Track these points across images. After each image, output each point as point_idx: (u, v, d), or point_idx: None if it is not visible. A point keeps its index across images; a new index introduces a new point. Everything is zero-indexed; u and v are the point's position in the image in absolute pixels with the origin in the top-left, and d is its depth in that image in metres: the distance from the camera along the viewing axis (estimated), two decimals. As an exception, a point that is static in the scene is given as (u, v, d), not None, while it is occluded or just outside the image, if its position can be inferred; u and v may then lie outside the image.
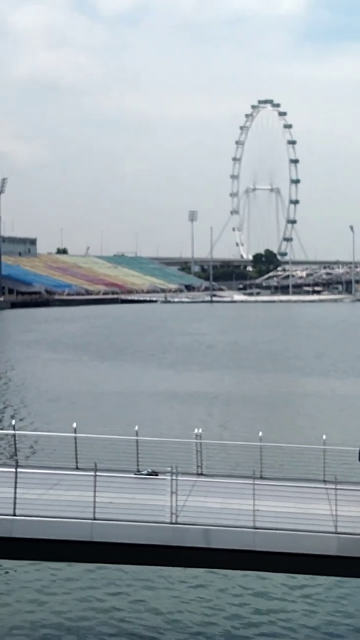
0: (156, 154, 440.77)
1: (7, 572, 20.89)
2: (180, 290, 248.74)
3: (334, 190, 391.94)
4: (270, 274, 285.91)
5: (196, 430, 20.21)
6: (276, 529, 15.89)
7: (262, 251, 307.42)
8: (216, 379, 58.92)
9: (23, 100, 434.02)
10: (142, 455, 19.76)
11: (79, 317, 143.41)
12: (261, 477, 18.60)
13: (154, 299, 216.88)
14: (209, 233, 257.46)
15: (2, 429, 37.60)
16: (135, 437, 19.99)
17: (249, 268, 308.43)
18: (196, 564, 17.49)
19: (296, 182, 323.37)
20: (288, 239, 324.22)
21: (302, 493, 17.43)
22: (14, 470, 16.96)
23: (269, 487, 17.24)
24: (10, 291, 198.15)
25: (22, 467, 17.86)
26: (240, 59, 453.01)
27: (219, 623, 18.36)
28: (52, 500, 17.02)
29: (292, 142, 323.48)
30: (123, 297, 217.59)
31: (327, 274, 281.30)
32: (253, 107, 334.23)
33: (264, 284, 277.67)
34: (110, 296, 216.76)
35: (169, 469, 16.69)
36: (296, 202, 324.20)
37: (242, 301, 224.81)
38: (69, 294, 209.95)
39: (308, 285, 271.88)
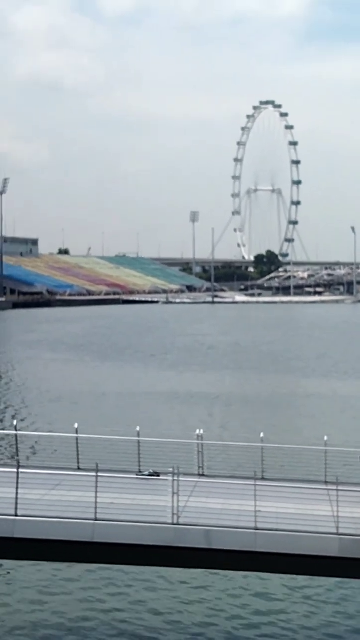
0: (158, 154, 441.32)
1: (8, 573, 20.90)
2: (182, 291, 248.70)
3: (336, 192, 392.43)
4: (272, 275, 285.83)
5: (198, 431, 20.21)
6: (277, 530, 15.89)
7: (263, 252, 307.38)
8: (217, 379, 58.90)
9: (24, 100, 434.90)
10: (144, 456, 19.77)
11: (81, 317, 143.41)
12: (262, 478, 18.59)
13: (156, 299, 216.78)
14: (210, 234, 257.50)
15: (3, 430, 37.62)
16: (137, 438, 19.99)
17: (251, 269, 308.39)
18: (197, 565, 17.49)
19: (298, 183, 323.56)
20: (289, 240, 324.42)
21: (303, 494, 17.42)
22: (15, 470, 16.97)
23: (270, 488, 17.23)
24: (12, 291, 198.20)
25: (23, 467, 17.87)
26: (241, 59, 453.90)
27: (220, 624, 18.36)
28: (54, 500, 17.03)
29: (294, 143, 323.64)
30: (125, 297, 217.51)
31: (329, 275, 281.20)
32: (255, 108, 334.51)
33: (265, 285, 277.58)
34: (111, 297, 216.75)
35: (170, 469, 16.69)
36: (298, 203, 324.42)
37: (243, 302, 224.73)
38: (70, 295, 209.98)
39: (310, 286, 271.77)
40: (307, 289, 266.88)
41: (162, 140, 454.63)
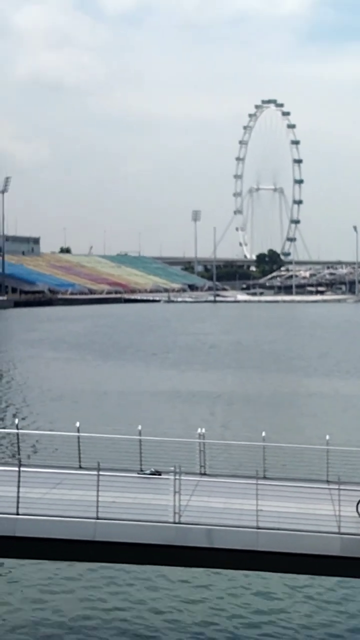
0: (159, 153, 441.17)
1: (10, 571, 20.90)
2: (184, 290, 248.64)
3: (338, 191, 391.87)
4: (274, 274, 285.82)
5: (199, 430, 20.21)
6: (279, 529, 15.89)
7: (265, 251, 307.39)
8: (219, 378, 58.90)
9: (25, 100, 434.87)
10: (145, 454, 19.76)
11: (82, 316, 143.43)
12: (264, 477, 18.59)
13: (157, 298, 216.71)
14: (212, 233, 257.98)
15: (5, 428, 37.64)
16: (139, 437, 19.99)
17: (253, 268, 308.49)
18: (199, 564, 17.49)
19: (300, 182, 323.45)
20: (291, 239, 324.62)
21: (305, 493, 17.42)
22: (17, 469, 16.97)
23: (272, 487, 17.23)
24: (14, 290, 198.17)
25: (25, 466, 17.88)
26: (242, 58, 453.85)
27: (221, 623, 18.36)
28: (55, 499, 17.02)
29: (296, 142, 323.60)
30: (126, 296, 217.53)
31: (331, 274, 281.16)
32: (257, 106, 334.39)
33: (267, 284, 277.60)
34: (113, 295, 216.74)
35: (172, 468, 16.68)
36: (300, 202, 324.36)
37: (245, 301, 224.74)
38: (72, 293, 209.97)
39: (311, 285, 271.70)
40: (309, 288, 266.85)
41: (163, 139, 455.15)
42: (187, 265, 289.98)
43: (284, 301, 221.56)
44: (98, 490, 16.26)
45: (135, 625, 18.16)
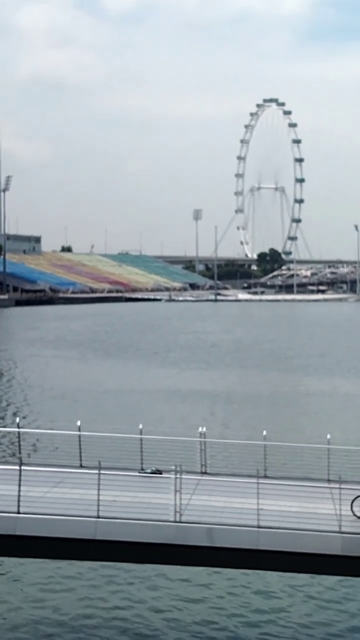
0: (159, 153, 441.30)
1: (10, 570, 20.91)
2: (185, 289, 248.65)
3: (339, 190, 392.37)
4: (275, 273, 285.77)
5: (200, 429, 20.21)
6: (280, 528, 15.88)
7: (266, 250, 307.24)
8: (220, 377, 58.89)
9: (26, 99, 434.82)
10: (146, 453, 19.76)
11: (83, 315, 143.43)
12: (265, 476, 18.58)
13: (158, 297, 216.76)
14: (213, 232, 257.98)
15: (6, 427, 37.65)
16: (139, 436, 19.99)
17: (254, 267, 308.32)
18: (200, 563, 17.48)
19: (301, 181, 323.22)
20: (293, 238, 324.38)
21: (306, 492, 17.42)
22: (18, 468, 16.98)
23: (272, 486, 17.22)
24: (15, 289, 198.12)
25: (26, 465, 17.88)
26: (243, 58, 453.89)
27: (222, 622, 18.35)
28: (56, 498, 17.02)
29: (297, 141, 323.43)
30: (127, 295, 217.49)
31: (332, 273, 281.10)
32: (258, 105, 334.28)
33: (268, 283, 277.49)
34: (114, 294, 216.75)
35: (172, 467, 16.68)
36: (301, 201, 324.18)
37: (246, 300, 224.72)
38: (73, 292, 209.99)
39: (312, 284, 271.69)
40: (310, 287, 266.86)
41: (163, 139, 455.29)
42: (188, 264, 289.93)
43: (285, 300, 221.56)
44: (99, 489, 16.26)
45: (136, 624, 18.16)
